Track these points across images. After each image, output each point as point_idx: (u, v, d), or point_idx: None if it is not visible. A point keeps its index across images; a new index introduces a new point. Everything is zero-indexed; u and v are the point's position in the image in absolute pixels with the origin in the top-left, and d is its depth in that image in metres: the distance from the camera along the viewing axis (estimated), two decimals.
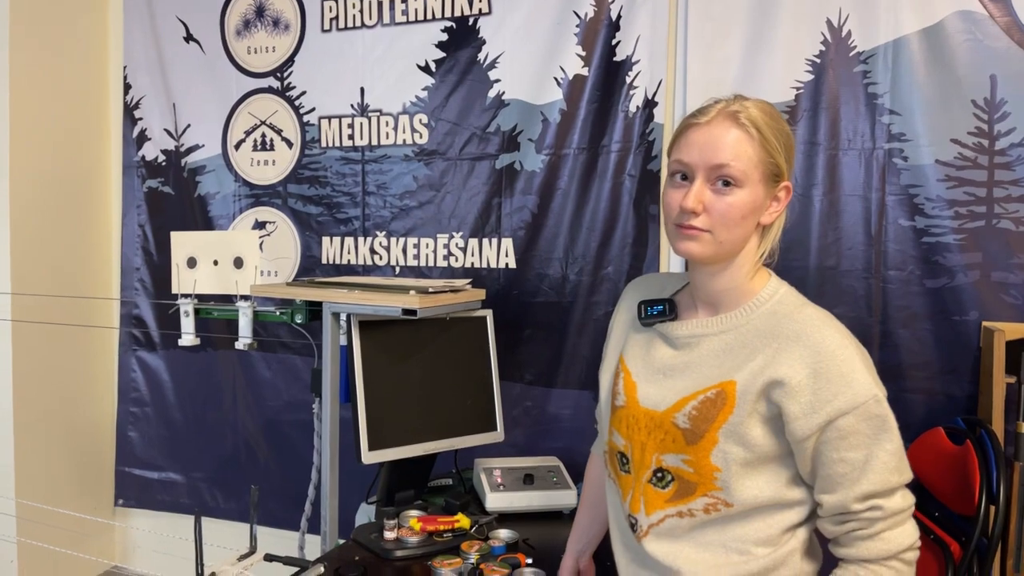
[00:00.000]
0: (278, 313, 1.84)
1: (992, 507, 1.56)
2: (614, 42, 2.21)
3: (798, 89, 2.04)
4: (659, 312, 1.18)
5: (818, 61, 2.03)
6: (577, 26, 2.24)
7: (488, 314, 1.91)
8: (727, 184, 1.04)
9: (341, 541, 1.68)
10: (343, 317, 1.69)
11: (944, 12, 1.91)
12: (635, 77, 2.20)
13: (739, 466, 1.07)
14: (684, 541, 1.12)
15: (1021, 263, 1.86)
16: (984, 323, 1.87)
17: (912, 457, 1.85)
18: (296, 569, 1.39)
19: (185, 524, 2.75)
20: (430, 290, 1.63)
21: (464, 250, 2.39)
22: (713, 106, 1.08)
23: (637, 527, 1.16)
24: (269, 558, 1.39)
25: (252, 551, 1.36)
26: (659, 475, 1.12)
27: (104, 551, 2.99)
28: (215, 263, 1.87)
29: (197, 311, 1.90)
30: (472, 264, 2.38)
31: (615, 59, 2.21)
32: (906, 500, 1.06)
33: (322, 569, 1.36)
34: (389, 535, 1.64)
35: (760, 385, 1.05)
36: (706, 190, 1.05)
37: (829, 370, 1.02)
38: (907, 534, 1.06)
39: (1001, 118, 1.88)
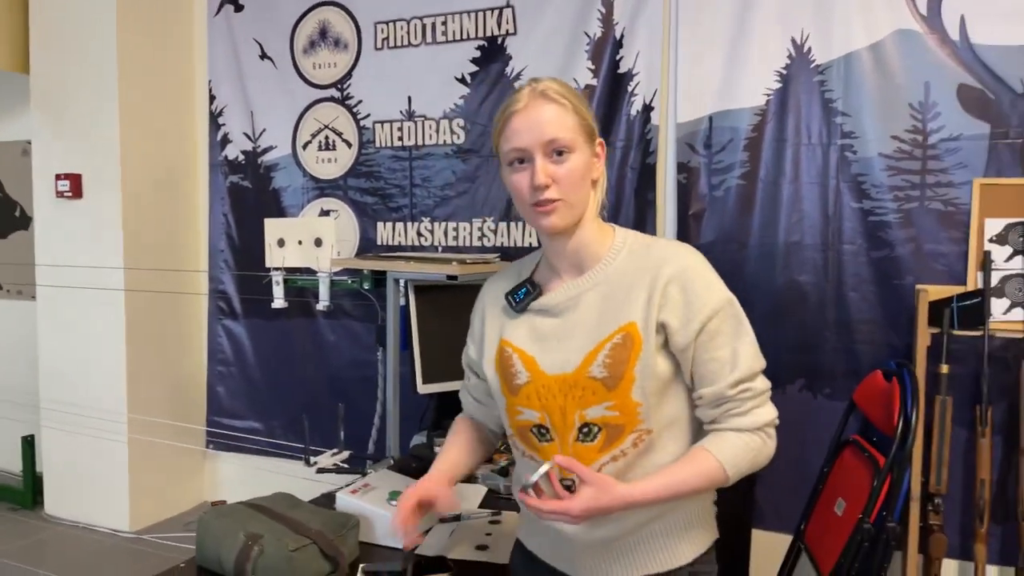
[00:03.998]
0: (350, 282, 2.35)
1: (907, 428, 1.99)
2: (618, 57, 2.66)
3: (768, 96, 2.46)
4: (525, 294, 1.25)
5: (785, 72, 2.45)
6: (587, 44, 2.69)
7: None
8: (561, 153, 1.15)
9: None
10: (402, 283, 2.19)
11: (887, 30, 2.31)
12: (635, 86, 2.64)
13: (655, 396, 1.16)
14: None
15: (948, 236, 2.26)
16: (917, 286, 2.28)
17: (859, 395, 2.30)
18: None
19: (264, 463, 3.30)
20: (467, 261, 2.13)
21: (495, 232, 2.88)
22: (522, 92, 1.18)
23: (575, 487, 1.15)
24: (353, 457, 1.90)
25: (341, 449, 1.87)
26: (584, 430, 1.18)
27: (196, 488, 3.56)
28: (299, 243, 2.38)
29: (285, 281, 2.42)
30: (501, 243, 2.86)
31: (619, 71, 2.66)
32: (766, 383, 1.19)
33: (391, 461, 1.86)
34: (437, 449, 2.14)
35: (655, 317, 1.15)
36: (548, 164, 1.15)
37: (694, 283, 1.15)
38: (770, 411, 1.19)
39: (933, 118, 2.27)
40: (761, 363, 1.20)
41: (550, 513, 1.12)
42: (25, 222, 3.70)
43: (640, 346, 1.14)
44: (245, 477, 3.44)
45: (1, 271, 3.84)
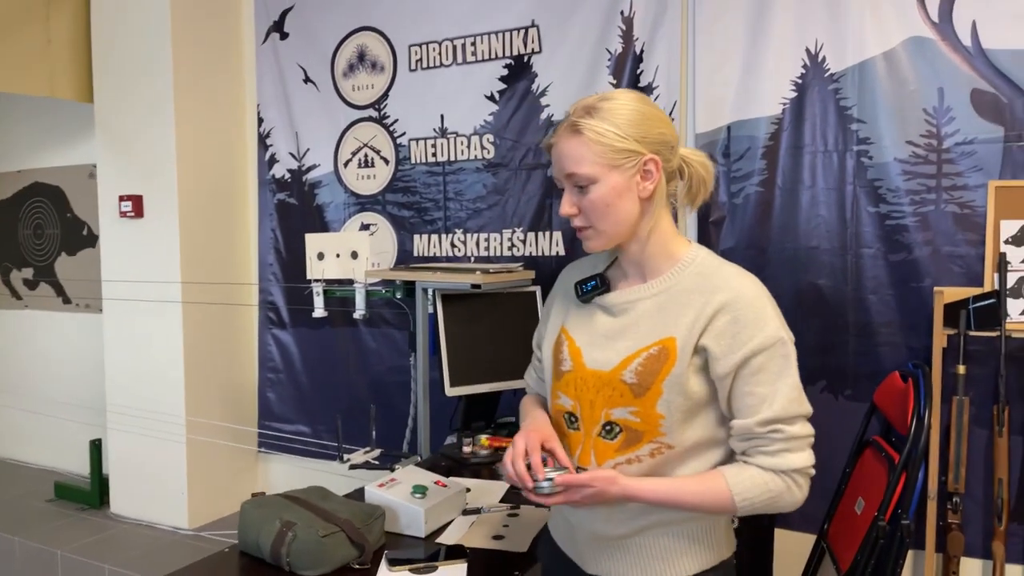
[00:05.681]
0: (384, 291, 2.50)
1: (920, 427, 2.03)
2: (638, 71, 2.76)
3: (784, 105, 2.53)
4: (593, 287, 1.31)
5: (800, 82, 2.50)
6: (609, 60, 2.80)
7: (537, 290, 2.51)
8: (582, 186, 1.21)
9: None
10: (430, 292, 2.33)
11: (899, 38, 2.35)
12: (655, 99, 2.73)
13: (681, 413, 1.19)
14: None
15: (965, 239, 2.29)
16: (935, 288, 2.31)
17: (878, 396, 2.34)
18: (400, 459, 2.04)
19: (310, 463, 3.48)
20: (490, 271, 2.25)
21: (524, 242, 3.00)
22: (561, 123, 1.24)
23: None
24: (384, 453, 2.04)
25: (373, 448, 2.01)
26: (607, 428, 1.23)
27: (250, 487, 3.76)
28: (337, 256, 2.54)
29: (325, 291, 2.58)
30: (530, 253, 2.98)
31: (639, 85, 2.76)
32: (805, 429, 1.20)
33: (419, 459, 1.99)
34: (466, 449, 2.27)
35: (696, 338, 1.19)
36: (573, 195, 1.23)
37: (746, 316, 1.17)
38: (802, 459, 1.19)
39: (947, 122, 2.30)
40: (803, 408, 1.20)
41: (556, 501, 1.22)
42: (92, 240, 3.98)
43: (673, 362, 1.18)
44: (293, 477, 3.63)
45: (70, 286, 4.13)
